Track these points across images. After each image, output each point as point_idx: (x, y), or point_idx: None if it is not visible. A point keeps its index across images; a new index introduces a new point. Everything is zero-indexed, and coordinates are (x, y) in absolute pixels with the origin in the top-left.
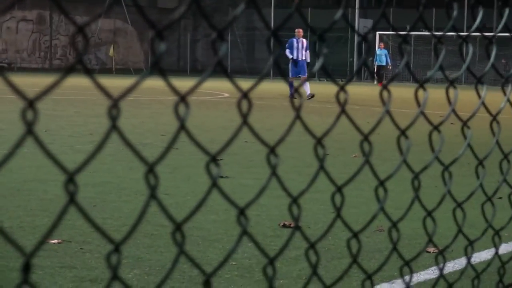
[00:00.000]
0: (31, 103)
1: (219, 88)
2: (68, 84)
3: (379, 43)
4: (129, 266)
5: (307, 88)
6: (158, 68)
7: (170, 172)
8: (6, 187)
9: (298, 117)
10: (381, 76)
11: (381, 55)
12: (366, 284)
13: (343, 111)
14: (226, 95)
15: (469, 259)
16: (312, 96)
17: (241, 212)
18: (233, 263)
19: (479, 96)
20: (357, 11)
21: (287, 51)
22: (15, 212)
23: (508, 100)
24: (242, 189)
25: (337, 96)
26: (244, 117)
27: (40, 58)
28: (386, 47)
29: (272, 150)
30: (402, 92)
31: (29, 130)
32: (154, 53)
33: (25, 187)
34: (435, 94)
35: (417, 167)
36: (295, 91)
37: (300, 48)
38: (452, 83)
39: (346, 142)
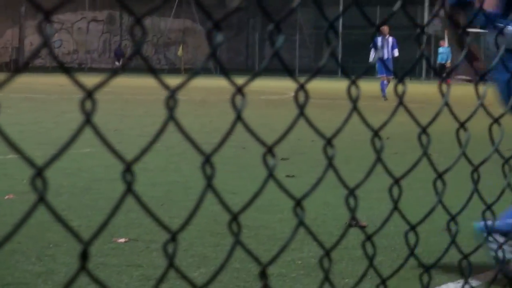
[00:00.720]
0: (89, 94)
1: (287, 87)
2: (138, 84)
3: (440, 41)
4: (195, 265)
5: (385, 88)
6: (215, 58)
7: (237, 171)
8: (76, 186)
9: (354, 108)
10: (445, 74)
11: (443, 53)
12: (424, 279)
13: (400, 103)
14: (292, 94)
15: None
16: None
17: (298, 203)
18: (299, 262)
19: None
20: (426, 8)
21: (372, 51)
22: (84, 211)
23: None
24: (309, 188)
25: (395, 89)
26: (301, 108)
27: (111, 59)
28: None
29: (328, 142)
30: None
31: (88, 119)
32: (211, 44)
33: (94, 186)
34: None
35: (484, 164)
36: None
37: (385, 46)
38: None
39: (415, 140)
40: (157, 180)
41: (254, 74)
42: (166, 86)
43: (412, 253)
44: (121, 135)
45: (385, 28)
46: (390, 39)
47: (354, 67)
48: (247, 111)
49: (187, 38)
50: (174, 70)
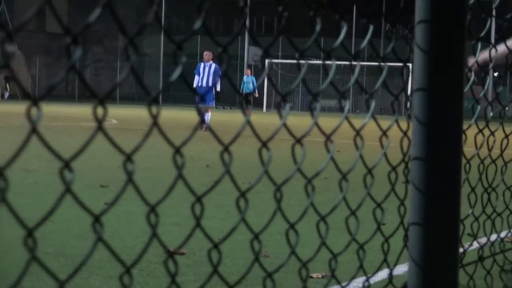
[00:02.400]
0: None
1: (108, 114)
2: None
3: (245, 70)
4: None
5: (208, 118)
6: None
7: (56, 199)
8: None
9: (155, 123)
10: (249, 103)
11: (248, 82)
12: None
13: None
14: (114, 121)
15: (333, 271)
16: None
17: (96, 219)
18: None
19: (342, 112)
20: (246, 38)
21: (196, 77)
22: None
23: (373, 116)
24: (127, 216)
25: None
26: (100, 123)
27: None
28: (254, 74)
29: (128, 158)
30: (295, 120)
31: None
32: (3, 54)
33: None
34: (322, 122)
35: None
36: (202, 122)
37: (207, 73)
38: (315, 97)
39: (235, 169)
40: None
41: (51, 86)
42: None
43: (215, 271)
44: None
45: (207, 54)
46: (213, 66)
47: (176, 95)
48: (66, 137)
49: None
50: None
